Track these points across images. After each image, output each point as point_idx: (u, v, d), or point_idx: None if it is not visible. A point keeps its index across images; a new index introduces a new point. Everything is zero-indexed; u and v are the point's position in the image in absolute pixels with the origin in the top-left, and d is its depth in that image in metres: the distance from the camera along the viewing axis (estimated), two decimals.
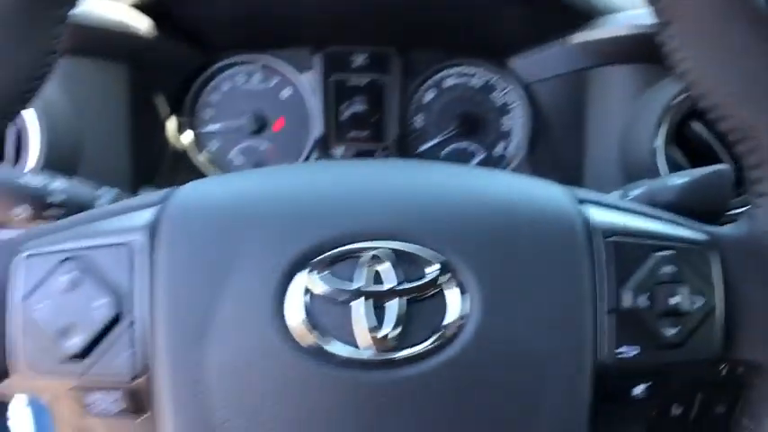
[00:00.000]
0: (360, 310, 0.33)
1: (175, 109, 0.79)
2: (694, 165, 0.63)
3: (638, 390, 0.36)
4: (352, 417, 0.33)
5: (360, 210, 0.35)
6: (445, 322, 0.33)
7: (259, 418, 0.33)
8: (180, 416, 0.33)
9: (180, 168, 0.79)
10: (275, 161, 0.81)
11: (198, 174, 0.80)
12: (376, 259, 0.33)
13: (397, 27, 0.79)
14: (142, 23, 0.68)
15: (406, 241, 0.34)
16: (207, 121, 0.80)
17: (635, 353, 0.35)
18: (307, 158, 0.81)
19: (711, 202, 0.47)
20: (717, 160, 0.61)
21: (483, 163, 0.82)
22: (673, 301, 0.35)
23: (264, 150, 0.81)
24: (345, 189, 0.36)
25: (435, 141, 0.82)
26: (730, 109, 0.36)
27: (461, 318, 0.33)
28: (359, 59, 0.80)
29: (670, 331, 0.35)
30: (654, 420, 0.41)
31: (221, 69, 0.80)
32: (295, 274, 0.33)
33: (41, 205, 0.46)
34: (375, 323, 0.33)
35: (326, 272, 0.33)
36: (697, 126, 0.63)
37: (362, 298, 0.33)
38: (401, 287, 0.33)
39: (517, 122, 0.81)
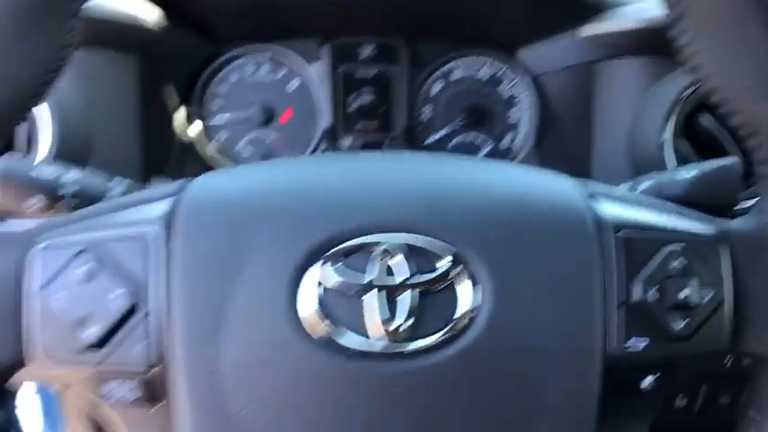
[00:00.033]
0: (372, 303, 0.33)
1: (184, 100, 0.79)
2: (702, 157, 0.63)
3: (647, 382, 0.37)
4: (364, 407, 0.33)
5: (372, 203, 0.35)
6: (456, 314, 0.34)
7: (273, 407, 0.33)
8: (195, 405, 0.33)
9: (188, 159, 0.79)
10: (283, 152, 0.81)
11: (206, 164, 0.81)
12: (388, 252, 0.34)
13: (405, 18, 0.78)
14: (152, 15, 0.68)
15: (417, 234, 0.34)
16: (215, 112, 0.81)
17: (644, 345, 0.35)
18: (314, 149, 0.81)
19: (720, 196, 0.47)
20: (725, 153, 0.61)
21: (490, 155, 0.82)
22: (682, 294, 0.36)
23: (272, 141, 0.81)
24: (358, 182, 0.36)
25: (443, 133, 0.82)
26: (742, 104, 0.36)
27: (472, 310, 0.34)
28: (367, 51, 0.80)
29: (679, 324, 0.36)
30: (659, 412, 0.41)
31: (229, 60, 0.80)
32: (308, 266, 0.33)
33: (54, 196, 0.46)
34: (387, 315, 0.33)
35: (339, 265, 0.34)
36: (706, 119, 0.63)
37: (375, 291, 0.33)
38: (413, 280, 0.33)
39: (524, 114, 0.81)
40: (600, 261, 0.35)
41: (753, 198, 0.60)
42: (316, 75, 0.80)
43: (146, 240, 0.35)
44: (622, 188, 0.50)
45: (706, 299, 0.36)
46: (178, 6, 0.71)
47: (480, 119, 0.81)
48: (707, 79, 0.37)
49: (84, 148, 0.62)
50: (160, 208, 0.36)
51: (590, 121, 0.73)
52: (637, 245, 0.36)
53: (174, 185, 0.38)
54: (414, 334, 0.33)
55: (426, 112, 0.82)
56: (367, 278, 0.33)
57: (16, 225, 0.38)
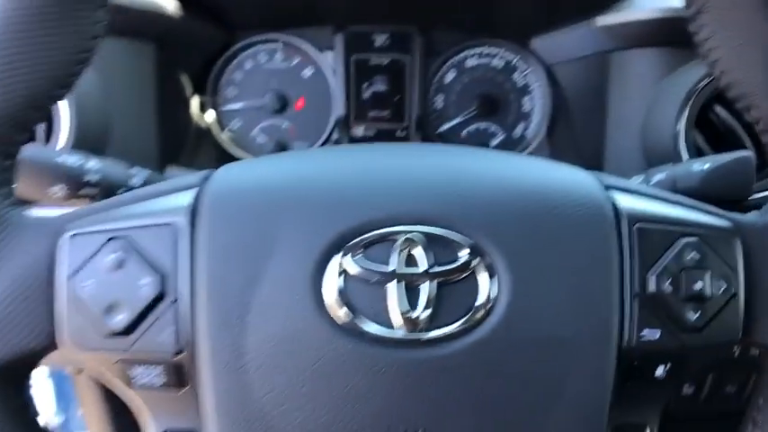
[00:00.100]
0: (395, 292, 0.34)
1: (198, 88, 0.80)
2: (714, 148, 0.64)
3: (659, 371, 0.37)
4: (385, 392, 0.34)
5: (394, 195, 0.36)
6: (474, 304, 0.34)
7: (297, 391, 0.34)
8: (221, 390, 0.34)
9: (203, 147, 0.80)
10: (296, 140, 0.82)
11: (221, 152, 0.81)
12: (409, 243, 0.35)
13: (419, 7, 0.78)
14: (169, 3, 0.68)
15: (438, 226, 0.35)
16: (229, 100, 0.81)
17: (658, 336, 0.36)
18: (328, 137, 0.81)
19: (734, 189, 0.48)
20: (738, 144, 0.62)
21: (502, 144, 0.82)
22: (696, 286, 0.36)
23: (286, 129, 0.81)
24: (382, 174, 0.37)
25: (455, 122, 0.82)
26: (759, 99, 0.37)
27: (490, 301, 0.34)
28: (380, 39, 0.80)
29: (692, 316, 0.36)
30: (668, 399, 0.42)
31: (244, 48, 0.80)
32: (333, 255, 0.34)
33: (77, 184, 0.47)
34: (409, 304, 0.34)
35: (362, 254, 0.34)
36: (720, 110, 0.63)
37: (400, 279, 0.34)
38: (434, 270, 0.34)
39: (537, 104, 0.82)
40: (617, 253, 0.36)
41: (765, 189, 0.60)
42: (329, 63, 0.80)
43: (173, 229, 0.35)
44: (637, 180, 0.50)
45: (719, 291, 0.37)
46: None
47: (493, 108, 0.81)
48: (725, 74, 0.37)
49: (101, 137, 0.63)
50: (187, 197, 0.36)
51: (603, 112, 0.73)
52: (652, 237, 0.37)
53: (198, 175, 0.39)
54: (433, 323, 0.34)
55: (439, 100, 0.82)
56: (390, 268, 0.34)
57: (41, 213, 0.38)
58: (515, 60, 0.81)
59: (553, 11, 0.75)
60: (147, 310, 0.35)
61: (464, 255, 0.35)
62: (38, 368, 0.38)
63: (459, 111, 0.82)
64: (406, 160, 0.39)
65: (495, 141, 0.83)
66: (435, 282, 0.34)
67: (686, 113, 0.62)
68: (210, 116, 0.81)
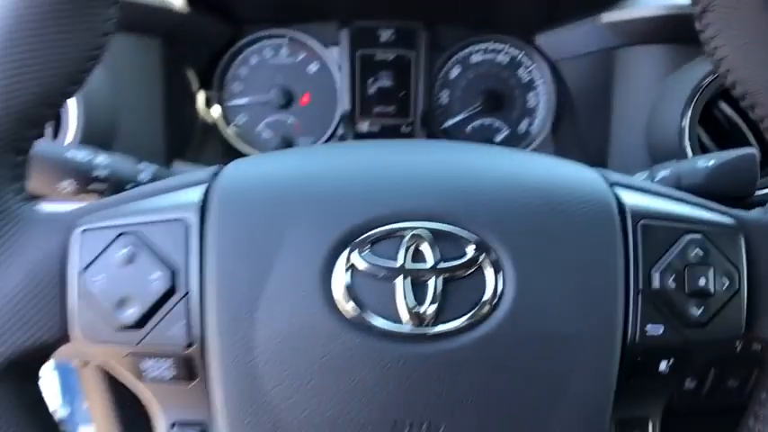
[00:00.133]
0: (403, 287, 0.34)
1: (204, 83, 0.80)
2: (719, 145, 0.64)
3: (663, 366, 0.38)
4: (391, 386, 0.35)
5: (402, 191, 0.36)
6: (480, 300, 0.35)
7: (305, 385, 0.35)
8: (230, 383, 0.35)
9: (209, 142, 0.80)
10: (302, 135, 0.82)
11: (226, 147, 0.82)
12: (416, 238, 0.35)
13: (424, 2, 0.78)
14: None
15: (444, 222, 0.35)
16: (235, 95, 0.81)
17: (661, 331, 0.37)
18: (333, 133, 0.82)
19: (738, 186, 0.48)
20: (741, 141, 0.62)
21: (507, 139, 0.83)
22: (700, 282, 0.37)
23: (291, 124, 0.82)
24: (389, 170, 0.37)
25: (460, 117, 0.82)
26: (764, 97, 0.37)
27: (496, 296, 0.35)
28: (386, 34, 0.80)
29: (696, 311, 0.37)
30: (671, 393, 0.43)
31: (249, 44, 0.80)
32: (340, 251, 0.35)
33: (86, 179, 0.48)
34: (417, 299, 0.34)
35: (371, 250, 0.35)
36: (725, 107, 0.63)
37: (407, 275, 0.35)
38: (442, 265, 0.35)
39: (542, 100, 0.82)
40: (621, 249, 0.36)
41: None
42: (335, 59, 0.81)
43: (183, 225, 0.36)
44: (641, 177, 0.51)
45: (722, 287, 0.37)
46: None
47: (498, 104, 0.81)
48: (730, 72, 0.38)
49: (109, 133, 0.63)
50: (196, 193, 0.37)
51: (608, 108, 0.73)
52: (657, 234, 0.37)
53: (207, 171, 0.39)
54: (440, 318, 0.35)
55: (444, 96, 0.82)
56: (398, 263, 0.35)
57: (52, 208, 0.39)
58: (520, 56, 0.81)
59: (554, 7, 0.75)
60: (157, 305, 0.35)
61: (470, 251, 0.35)
62: (49, 361, 0.38)
63: (464, 106, 0.82)
64: (413, 157, 0.39)
65: (499, 137, 0.83)
66: (442, 277, 0.35)
67: (691, 110, 0.62)
68: (216, 111, 0.82)
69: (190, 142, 0.77)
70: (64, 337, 0.36)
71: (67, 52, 0.35)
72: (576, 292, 0.36)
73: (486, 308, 0.35)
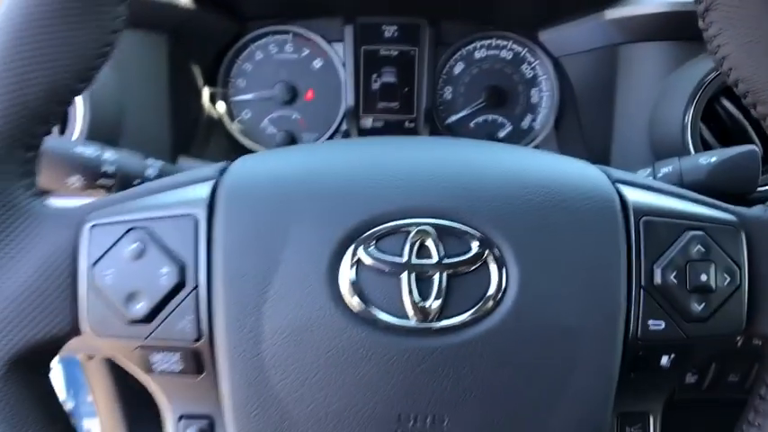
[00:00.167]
0: (408, 282, 0.35)
1: (209, 79, 0.80)
2: (721, 142, 0.64)
3: (664, 360, 0.38)
4: (396, 380, 0.35)
5: (408, 187, 0.37)
6: (484, 295, 0.35)
7: (311, 378, 0.35)
8: (237, 376, 0.35)
9: (214, 137, 0.80)
10: (306, 131, 0.82)
11: (231, 143, 0.82)
12: (421, 234, 0.35)
13: None
14: None
15: (449, 218, 0.36)
16: (239, 91, 0.82)
17: (663, 326, 0.37)
18: (337, 128, 0.82)
19: (740, 182, 0.48)
20: (743, 137, 0.62)
21: (510, 135, 0.83)
22: (701, 278, 0.37)
23: (296, 120, 0.82)
24: (394, 167, 0.38)
25: (464, 113, 0.82)
26: (766, 95, 0.37)
27: (500, 291, 0.35)
28: (390, 31, 0.80)
29: (697, 307, 0.37)
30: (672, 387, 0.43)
31: (254, 39, 0.81)
32: (347, 247, 0.35)
33: (94, 175, 0.48)
34: (422, 294, 0.35)
35: (377, 245, 0.35)
36: (727, 104, 0.63)
37: (412, 270, 0.35)
38: (447, 261, 0.35)
39: (545, 96, 0.82)
40: (624, 246, 0.37)
41: None
42: (339, 54, 0.81)
43: (191, 220, 0.36)
44: (643, 174, 0.51)
45: (724, 283, 0.38)
46: None
47: (501, 100, 0.82)
48: (733, 71, 0.38)
49: (115, 128, 0.64)
50: (204, 189, 0.37)
51: (610, 104, 0.73)
52: (659, 230, 0.38)
53: (215, 167, 0.40)
54: (444, 313, 0.35)
55: (448, 92, 0.83)
56: (404, 258, 0.35)
57: (62, 204, 0.39)
58: (524, 52, 0.82)
59: (557, 4, 0.75)
60: (166, 299, 0.36)
61: (475, 247, 0.36)
62: (59, 354, 0.39)
63: (468, 102, 0.82)
64: (417, 153, 0.40)
65: (502, 133, 0.83)
66: (446, 273, 0.35)
67: (693, 107, 0.62)
68: (221, 107, 0.82)
69: (195, 138, 0.77)
70: (74, 331, 0.37)
71: (77, 50, 0.35)
72: (578, 288, 0.36)
73: (490, 303, 0.35)
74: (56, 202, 0.39)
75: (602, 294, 0.36)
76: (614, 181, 0.39)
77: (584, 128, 0.78)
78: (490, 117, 0.83)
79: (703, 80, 0.62)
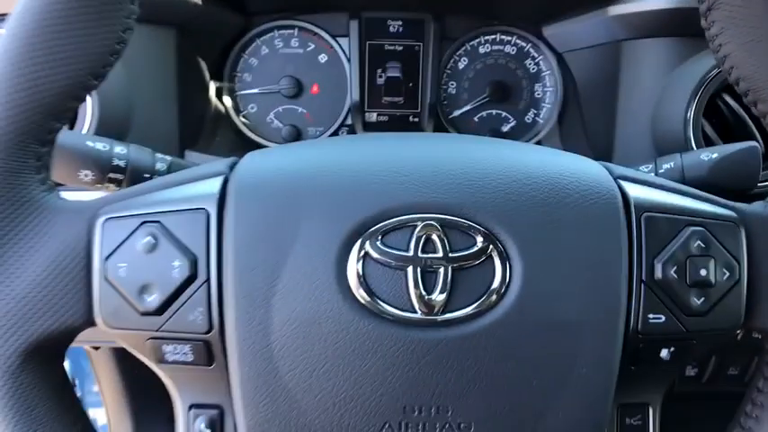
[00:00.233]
0: (414, 275, 0.36)
1: (216, 73, 0.81)
2: (723, 137, 0.65)
3: (664, 353, 0.39)
4: (401, 372, 0.36)
5: (415, 183, 0.37)
6: (489, 289, 0.36)
7: (319, 369, 0.36)
8: (247, 366, 0.36)
9: (220, 131, 0.81)
10: (312, 125, 0.83)
11: (237, 136, 0.83)
12: (428, 229, 0.36)
13: None
14: None
15: (454, 213, 0.37)
16: (246, 85, 0.82)
17: (663, 320, 0.38)
18: (342, 122, 0.83)
19: (741, 178, 0.49)
20: (745, 133, 0.62)
21: (514, 129, 0.83)
22: (701, 273, 0.38)
23: (301, 114, 0.83)
24: (401, 163, 0.38)
25: (468, 108, 0.83)
26: (767, 93, 0.38)
27: (503, 285, 0.36)
28: (395, 26, 0.81)
29: (697, 301, 0.38)
30: (672, 379, 0.44)
31: (260, 34, 0.81)
32: (355, 240, 0.36)
33: (105, 168, 0.49)
34: (427, 287, 0.36)
35: (383, 240, 0.36)
36: (729, 100, 0.64)
37: (418, 264, 0.36)
38: (452, 255, 0.36)
39: (548, 91, 0.82)
40: (625, 241, 0.38)
41: None
42: (344, 49, 0.81)
43: (203, 214, 0.37)
44: (645, 170, 0.52)
45: (723, 278, 0.38)
46: None
47: (505, 94, 0.82)
48: (734, 69, 0.39)
49: (123, 122, 0.64)
50: (215, 184, 0.38)
51: (613, 100, 0.73)
52: (660, 226, 0.38)
53: (225, 162, 0.40)
54: (449, 306, 0.36)
55: (452, 86, 0.83)
56: (411, 252, 0.36)
57: (76, 197, 0.40)
58: (528, 48, 0.82)
59: (558, 0, 0.75)
60: (178, 292, 0.37)
61: (479, 241, 0.36)
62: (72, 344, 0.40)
63: (472, 97, 0.83)
64: (423, 150, 0.40)
65: (506, 127, 0.84)
66: (451, 267, 0.36)
67: (696, 102, 0.63)
68: (227, 101, 0.83)
69: (201, 132, 0.78)
70: (87, 322, 0.37)
71: (92, 47, 0.36)
72: (580, 282, 0.37)
73: (494, 296, 0.36)
74: (70, 196, 0.40)
75: (604, 289, 0.37)
76: (616, 177, 0.40)
77: (587, 123, 0.79)
78: (494, 112, 0.83)
79: (706, 76, 0.63)
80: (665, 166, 0.51)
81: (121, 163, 0.49)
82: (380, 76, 0.82)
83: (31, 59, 0.35)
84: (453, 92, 0.83)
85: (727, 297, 0.39)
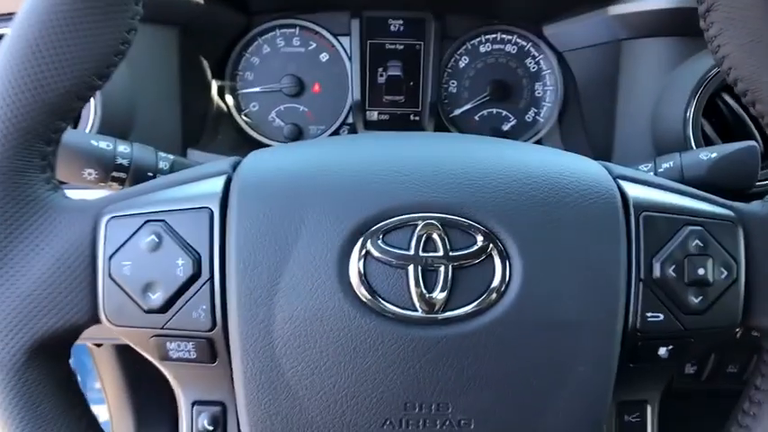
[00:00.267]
0: (416, 274, 0.36)
1: (218, 72, 0.81)
2: (722, 137, 0.65)
3: (662, 351, 0.40)
4: (402, 369, 0.36)
5: (416, 182, 0.38)
6: (489, 288, 0.37)
7: (321, 367, 0.36)
8: (250, 364, 0.37)
9: (222, 130, 0.81)
10: (313, 124, 0.83)
11: (239, 135, 0.83)
12: (428, 228, 0.37)
13: None
14: None
15: (454, 213, 0.37)
16: (247, 84, 0.82)
17: (662, 318, 0.38)
18: (344, 121, 0.83)
19: (739, 178, 0.49)
20: (744, 132, 0.63)
21: (514, 129, 0.84)
22: (699, 272, 0.38)
23: (303, 113, 0.83)
24: (402, 162, 0.39)
25: (468, 107, 0.83)
26: (765, 94, 0.38)
27: (503, 284, 0.37)
28: (396, 25, 0.81)
29: (695, 300, 0.38)
30: (671, 377, 0.44)
31: (261, 33, 0.81)
32: (356, 239, 0.36)
33: (108, 167, 0.49)
34: (428, 286, 0.36)
35: (385, 238, 0.37)
36: (728, 99, 0.64)
37: (419, 263, 0.36)
38: (452, 254, 0.36)
39: (549, 90, 0.83)
40: (624, 240, 0.38)
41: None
42: (345, 48, 0.82)
43: (206, 213, 0.38)
44: (645, 169, 0.52)
45: (721, 277, 0.39)
46: None
47: (505, 93, 0.82)
48: (732, 69, 0.39)
49: (126, 121, 0.65)
50: (218, 183, 0.39)
51: (613, 99, 0.73)
52: (658, 225, 0.39)
53: (228, 162, 0.41)
54: (449, 304, 0.36)
55: (453, 85, 0.83)
56: (412, 251, 0.36)
57: (80, 196, 0.40)
58: (528, 47, 0.82)
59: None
60: (181, 290, 0.37)
61: (480, 240, 0.37)
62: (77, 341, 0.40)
63: (473, 96, 0.83)
64: (424, 149, 0.41)
65: (506, 126, 0.84)
66: (452, 265, 0.36)
67: (695, 102, 0.63)
68: (229, 100, 0.83)
69: (203, 130, 0.78)
70: (92, 320, 0.38)
71: (97, 48, 0.36)
72: (579, 281, 0.37)
73: (494, 295, 0.37)
74: (74, 194, 0.40)
75: (603, 288, 0.37)
76: (616, 177, 0.41)
77: (587, 122, 0.79)
78: (495, 110, 0.83)
79: (705, 76, 0.63)
80: (665, 165, 0.52)
81: (125, 162, 0.49)
82: (381, 75, 0.82)
83: (36, 60, 0.35)
84: (454, 91, 0.83)
85: (724, 296, 0.39)
